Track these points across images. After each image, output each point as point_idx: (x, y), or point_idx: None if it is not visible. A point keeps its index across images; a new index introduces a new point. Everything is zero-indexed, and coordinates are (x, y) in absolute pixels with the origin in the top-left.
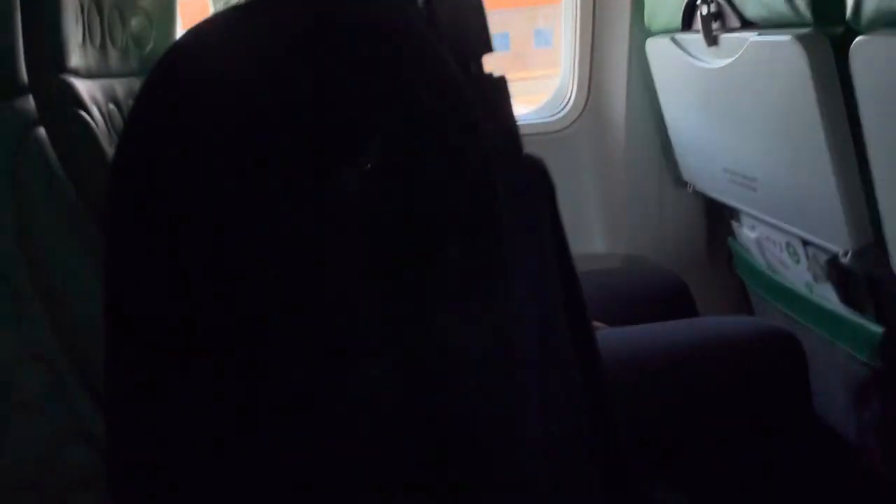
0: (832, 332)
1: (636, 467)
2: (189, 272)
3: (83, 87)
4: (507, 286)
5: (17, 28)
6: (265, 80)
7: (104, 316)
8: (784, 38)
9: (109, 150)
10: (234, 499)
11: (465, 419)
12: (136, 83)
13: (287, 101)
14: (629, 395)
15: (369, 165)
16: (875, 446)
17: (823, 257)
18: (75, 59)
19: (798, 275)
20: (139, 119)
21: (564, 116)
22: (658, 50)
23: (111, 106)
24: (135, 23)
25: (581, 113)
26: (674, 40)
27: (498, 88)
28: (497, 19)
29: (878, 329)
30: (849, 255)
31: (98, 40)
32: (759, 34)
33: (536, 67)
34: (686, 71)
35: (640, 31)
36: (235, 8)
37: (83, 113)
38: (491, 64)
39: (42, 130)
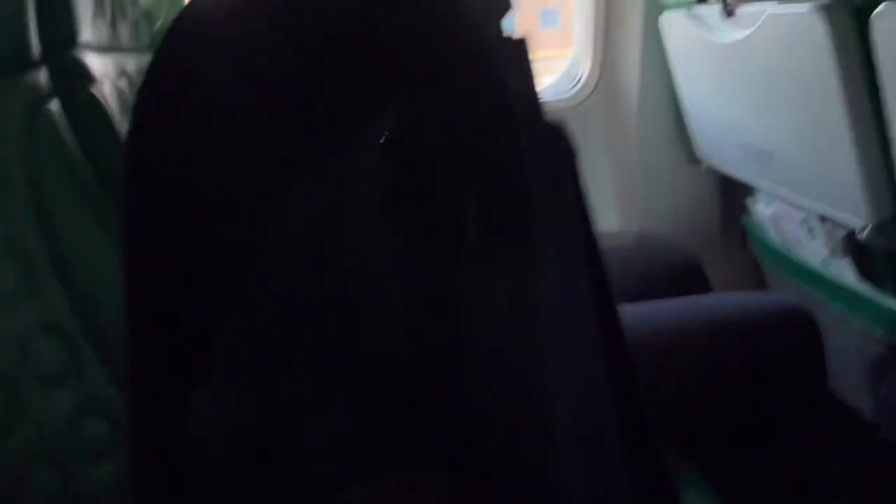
0: (848, 308)
1: (658, 443)
2: (207, 243)
3: (95, 61)
4: (534, 250)
5: (28, 2)
6: (279, 47)
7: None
8: (802, 8)
9: (122, 124)
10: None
11: (488, 383)
12: (147, 58)
13: (303, 68)
14: (644, 370)
15: (393, 128)
16: (891, 423)
17: (841, 232)
18: (87, 33)
19: (814, 251)
20: (151, 89)
21: (577, 94)
22: (672, 24)
23: (122, 81)
24: None
25: (593, 90)
26: (689, 14)
27: (519, 50)
28: None
29: (895, 305)
30: (868, 229)
31: (109, 15)
32: (778, 4)
33: (543, 48)
34: (701, 45)
35: (654, 6)
36: None
37: (95, 87)
38: None
39: (54, 104)
